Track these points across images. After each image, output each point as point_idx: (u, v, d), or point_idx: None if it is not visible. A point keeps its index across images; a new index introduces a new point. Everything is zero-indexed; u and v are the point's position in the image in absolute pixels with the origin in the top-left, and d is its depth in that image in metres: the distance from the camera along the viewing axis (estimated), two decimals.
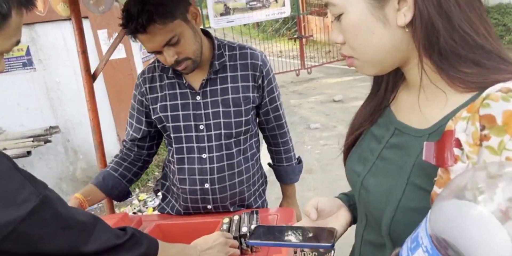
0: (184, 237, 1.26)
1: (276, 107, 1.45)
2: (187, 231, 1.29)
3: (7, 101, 3.98)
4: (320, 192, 3.38)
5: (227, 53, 1.35)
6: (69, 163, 4.29)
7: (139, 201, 3.85)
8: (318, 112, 5.83)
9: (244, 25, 11.04)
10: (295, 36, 8.89)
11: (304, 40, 8.68)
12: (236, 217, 1.21)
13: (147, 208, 3.67)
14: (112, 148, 4.20)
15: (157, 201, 3.73)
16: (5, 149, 3.72)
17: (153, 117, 1.39)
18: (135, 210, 3.70)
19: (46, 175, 4.24)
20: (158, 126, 1.39)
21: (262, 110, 1.44)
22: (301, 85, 7.65)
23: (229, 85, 1.33)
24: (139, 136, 1.44)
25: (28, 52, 3.86)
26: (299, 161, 1.60)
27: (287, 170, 1.55)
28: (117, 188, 1.43)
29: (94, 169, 4.21)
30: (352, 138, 0.79)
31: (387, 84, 0.74)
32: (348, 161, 0.79)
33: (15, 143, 3.79)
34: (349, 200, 0.88)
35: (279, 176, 1.59)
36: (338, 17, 0.64)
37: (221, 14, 6.70)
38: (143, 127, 1.43)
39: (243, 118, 1.35)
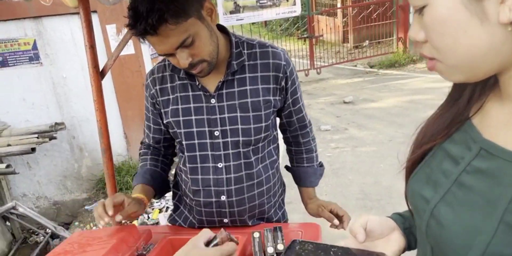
0: None
1: (299, 108, 1.33)
2: None
3: (13, 96, 3.90)
4: (332, 198, 3.26)
5: (245, 51, 1.21)
6: (74, 161, 4.20)
7: None
8: (328, 114, 5.70)
9: (253, 23, 10.92)
10: (305, 36, 8.75)
11: (313, 40, 8.55)
12: (256, 235, 1.09)
13: (153, 209, 3.57)
14: (119, 146, 4.11)
15: (163, 203, 3.63)
16: (9, 145, 3.64)
17: (164, 122, 1.27)
18: None
19: (51, 172, 4.16)
20: (170, 131, 1.28)
21: (284, 112, 1.32)
22: (310, 86, 7.52)
23: (248, 87, 1.20)
24: (162, 137, 1.35)
25: (34, 46, 3.76)
26: (321, 164, 1.47)
27: (307, 172, 1.41)
28: (163, 184, 1.36)
29: (99, 167, 4.12)
30: (420, 153, 0.66)
31: (473, 91, 0.60)
32: (412, 181, 0.67)
33: (20, 139, 3.71)
34: (404, 222, 0.76)
35: (297, 178, 1.44)
36: (420, 10, 0.52)
37: (231, 12, 6.60)
38: (163, 128, 1.32)
39: (263, 124, 1.22)
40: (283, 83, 1.23)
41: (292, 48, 9.27)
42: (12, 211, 2.26)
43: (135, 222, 3.39)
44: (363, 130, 4.92)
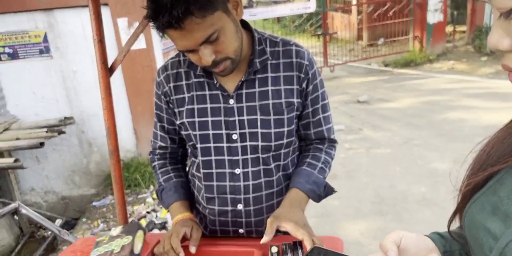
0: None
1: (318, 121, 1.17)
2: None
3: (23, 89, 3.85)
4: (346, 201, 3.16)
5: (268, 49, 1.11)
6: (83, 156, 4.15)
7: (154, 199, 3.68)
8: (341, 113, 5.58)
9: (265, 19, 10.81)
10: (319, 33, 8.61)
11: (327, 37, 8.40)
12: (274, 249, 0.99)
13: (161, 207, 3.50)
14: (128, 142, 4.05)
15: None
16: (18, 138, 3.60)
17: (177, 122, 1.16)
18: (148, 209, 3.53)
19: (59, 167, 4.12)
20: (182, 134, 1.17)
21: (302, 121, 1.17)
22: None
23: (270, 88, 1.09)
24: (177, 137, 1.24)
25: (45, 39, 3.70)
26: (326, 184, 1.17)
27: (300, 172, 1.15)
28: (191, 193, 1.27)
29: (108, 162, 4.06)
30: (483, 177, 0.56)
31: None
32: (471, 209, 0.56)
33: (29, 133, 3.67)
34: (445, 245, 0.66)
35: (290, 181, 1.17)
36: (509, 13, 0.42)
37: (244, 7, 6.48)
38: (177, 128, 1.22)
39: (285, 129, 1.11)
40: (304, 85, 1.12)
41: (305, 45, 9.13)
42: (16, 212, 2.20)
43: (142, 221, 3.32)
44: (378, 131, 4.79)
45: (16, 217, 3.88)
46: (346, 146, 4.39)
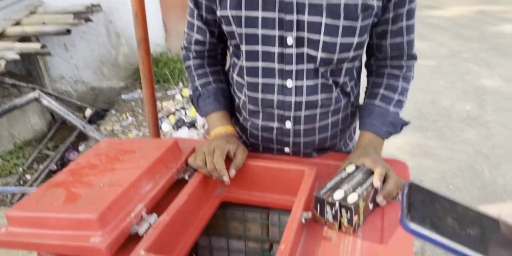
0: (255, 183, 0.94)
1: (399, 30, 0.92)
2: (258, 175, 0.94)
3: None
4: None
5: None
6: (111, 47, 4.02)
7: (183, 97, 3.62)
8: None
9: None
10: None
11: None
12: (350, 169, 0.84)
13: (190, 106, 3.45)
14: (157, 35, 3.86)
15: None
16: (44, 23, 3.44)
17: (218, 14, 0.93)
18: (177, 107, 3.49)
19: (88, 56, 4.04)
20: (224, 29, 0.94)
21: (377, 28, 0.92)
22: None
23: None
24: (217, 30, 1.01)
25: None
26: (403, 120, 0.99)
27: (372, 111, 0.97)
28: (232, 102, 1.09)
29: (136, 55, 3.93)
30: None
31: None
32: None
33: (55, 18, 3.50)
34: None
35: (359, 118, 1.02)
36: None
37: None
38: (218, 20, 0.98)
39: (355, 39, 0.87)
40: None
41: None
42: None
43: (171, 118, 3.31)
44: (423, 40, 4.42)
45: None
46: None
